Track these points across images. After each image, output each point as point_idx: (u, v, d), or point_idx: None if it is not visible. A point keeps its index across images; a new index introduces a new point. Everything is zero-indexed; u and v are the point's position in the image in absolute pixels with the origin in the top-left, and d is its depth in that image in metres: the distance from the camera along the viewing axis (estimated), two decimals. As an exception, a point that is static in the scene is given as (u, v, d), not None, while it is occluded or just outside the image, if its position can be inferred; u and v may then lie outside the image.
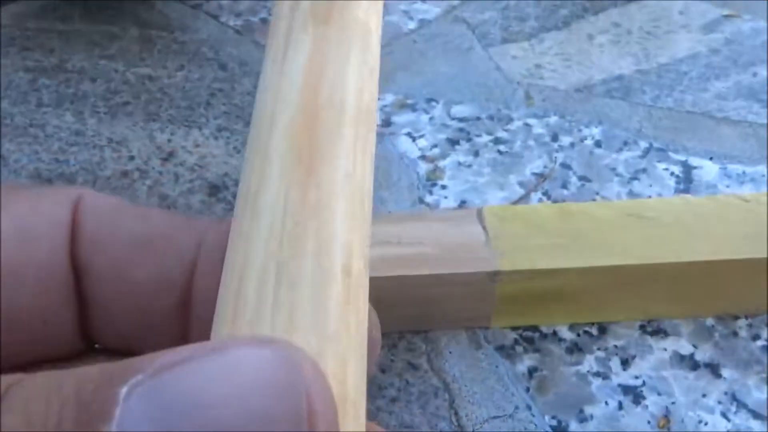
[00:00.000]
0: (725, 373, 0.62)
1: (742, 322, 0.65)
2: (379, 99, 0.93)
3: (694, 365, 0.62)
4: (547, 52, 0.96)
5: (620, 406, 0.60)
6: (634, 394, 0.61)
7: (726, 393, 0.61)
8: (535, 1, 1.05)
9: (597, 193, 0.77)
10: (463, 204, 0.76)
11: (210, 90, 0.90)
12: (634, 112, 0.87)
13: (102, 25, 1.01)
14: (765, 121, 0.86)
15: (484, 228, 0.63)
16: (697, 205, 0.65)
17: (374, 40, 0.41)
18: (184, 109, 0.88)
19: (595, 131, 0.84)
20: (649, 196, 0.77)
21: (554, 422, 0.59)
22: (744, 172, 0.79)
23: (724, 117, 0.86)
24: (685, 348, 0.64)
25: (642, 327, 0.65)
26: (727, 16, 1.02)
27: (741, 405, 0.60)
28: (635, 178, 0.79)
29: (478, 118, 0.86)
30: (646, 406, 0.60)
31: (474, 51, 0.97)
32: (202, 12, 1.04)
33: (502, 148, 0.83)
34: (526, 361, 0.63)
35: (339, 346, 0.19)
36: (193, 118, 0.86)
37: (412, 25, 1.01)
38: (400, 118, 0.86)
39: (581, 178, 0.79)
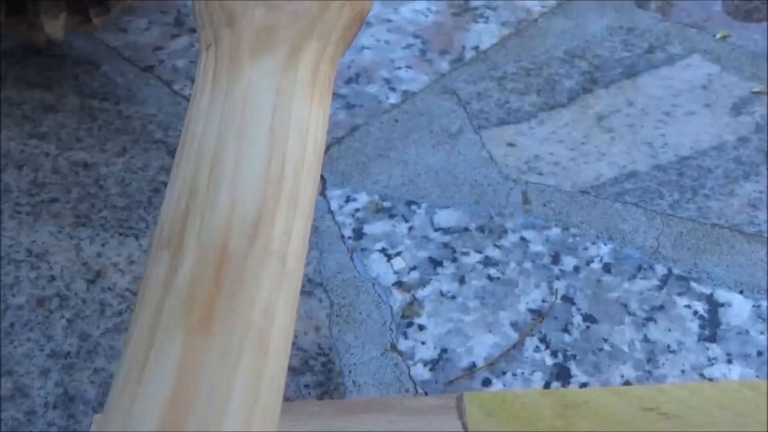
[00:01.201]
0: None
1: None
2: (351, 200, 0.80)
3: None
4: (548, 138, 0.83)
5: None
6: None
7: None
8: (537, 69, 0.92)
9: (605, 340, 0.64)
10: (443, 353, 0.63)
11: (153, 184, 0.77)
12: (650, 223, 0.74)
13: (37, 91, 0.88)
14: (804, 238, 0.73)
15: (464, 425, 0.50)
16: (727, 394, 0.53)
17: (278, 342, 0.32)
18: (120, 210, 0.74)
19: (604, 250, 0.71)
20: (668, 346, 0.64)
21: None
22: (781, 311, 0.66)
23: (757, 232, 0.73)
24: None
25: None
26: (756, 93, 0.89)
27: None
28: (651, 319, 0.66)
29: (466, 229, 0.73)
30: None
31: (464, 135, 0.83)
32: (153, 76, 0.90)
33: (492, 272, 0.70)
34: None
35: None
36: (129, 222, 0.73)
37: (393, 98, 0.88)
38: (374, 228, 0.73)
39: (586, 317, 0.66)
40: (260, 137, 0.36)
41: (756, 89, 0.89)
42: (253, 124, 0.36)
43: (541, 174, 0.79)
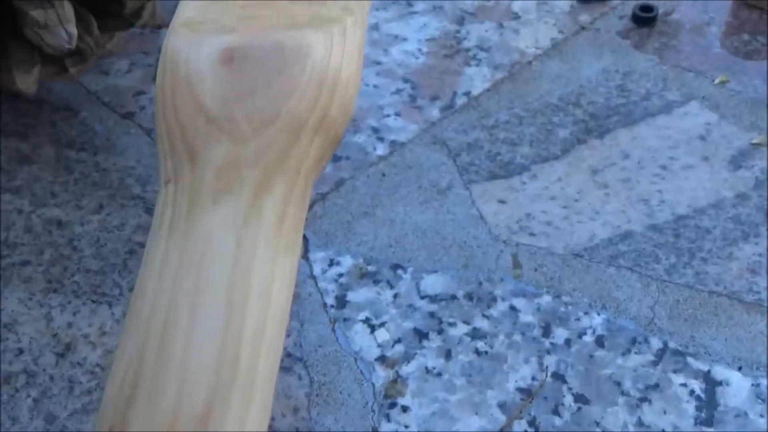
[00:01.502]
0: None
1: None
2: (335, 263, 0.77)
3: None
4: (541, 195, 0.80)
5: None
6: None
7: None
8: (531, 117, 0.89)
9: (597, 424, 0.61)
10: (427, 438, 0.61)
11: (129, 245, 0.74)
12: (645, 290, 0.71)
13: (13, 140, 0.85)
14: (805, 307, 0.70)
15: None
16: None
17: None
18: (94, 274, 0.71)
19: (597, 321, 0.68)
20: (663, 431, 0.61)
21: None
22: (781, 390, 0.64)
23: (757, 300, 0.70)
24: None
25: None
26: (756, 145, 0.86)
27: None
28: (645, 399, 0.63)
29: (454, 297, 0.70)
30: None
31: (454, 190, 0.80)
32: (133, 124, 0.87)
33: (480, 345, 0.67)
34: None
35: None
36: (103, 288, 0.70)
37: (381, 149, 0.85)
38: (358, 295, 0.70)
39: (578, 397, 0.63)
40: (216, 307, 0.33)
41: (755, 141, 0.86)
42: (209, 288, 0.33)
43: (532, 234, 0.76)
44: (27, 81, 0.73)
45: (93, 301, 0.69)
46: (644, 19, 1.03)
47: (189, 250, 0.35)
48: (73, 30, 0.69)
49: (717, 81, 0.94)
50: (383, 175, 0.82)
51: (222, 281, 0.35)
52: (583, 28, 1.02)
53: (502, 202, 0.79)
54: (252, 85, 0.39)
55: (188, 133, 0.39)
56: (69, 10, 0.70)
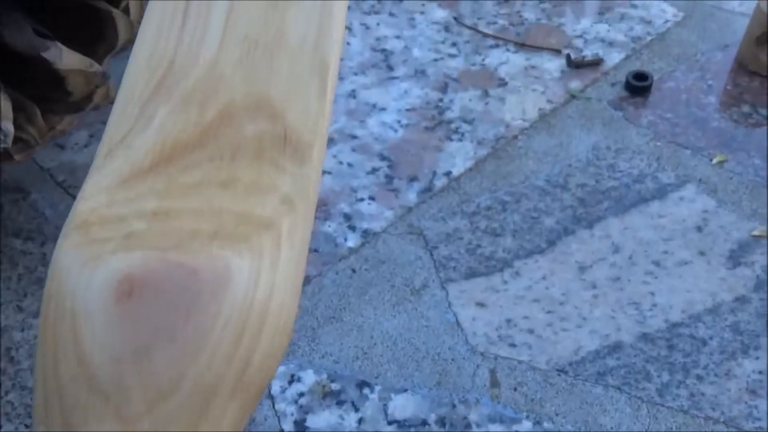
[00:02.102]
0: None
1: None
2: (296, 380, 0.71)
3: None
4: (524, 296, 0.74)
5: None
6: None
7: None
8: (515, 202, 0.83)
9: None
10: None
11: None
12: (635, 414, 0.65)
13: (-44, 226, 0.79)
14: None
15: None
16: None
17: None
18: (29, 392, 0.65)
19: (581, 453, 0.62)
20: None
21: None
22: None
23: (757, 429, 0.64)
24: None
25: None
26: (756, 237, 0.80)
27: None
28: None
29: (425, 423, 0.64)
30: None
31: (429, 290, 0.74)
32: (87, 208, 0.81)
33: (452, 483, 0.60)
34: None
35: None
36: (40, 410, 0.64)
37: (352, 241, 0.79)
38: (319, 420, 0.64)
39: None
40: None
41: (756, 232, 0.80)
42: None
43: (513, 345, 0.70)
44: (-38, 176, 0.67)
45: (27, 425, 0.63)
46: (638, 88, 0.97)
47: None
48: (9, 128, 0.63)
49: (715, 161, 0.88)
50: (353, 271, 0.76)
51: None
52: (573, 96, 0.96)
53: (481, 305, 0.73)
54: (152, 337, 0.31)
55: (67, 401, 0.31)
56: (6, 105, 0.64)
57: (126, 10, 0.73)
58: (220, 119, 0.37)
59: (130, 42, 0.74)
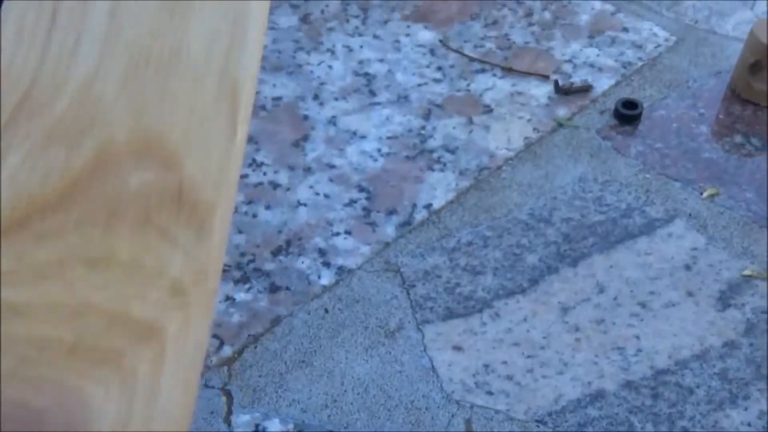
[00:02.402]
0: None
1: None
2: (261, 431, 0.68)
3: None
4: (503, 341, 0.71)
5: None
6: None
7: None
8: (497, 237, 0.80)
9: None
10: None
11: None
12: (615, 470, 0.62)
13: None
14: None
15: None
16: None
17: None
18: None
19: None
20: None
21: None
22: None
23: (743, 487, 0.61)
24: None
25: None
26: (747, 277, 0.77)
27: None
28: None
29: (395, 478, 0.61)
30: None
31: (404, 332, 0.71)
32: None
33: None
34: None
35: None
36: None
37: (326, 278, 0.75)
38: (284, 475, 0.61)
39: None
40: None
41: (747, 272, 0.77)
42: None
43: (490, 393, 0.67)
44: None
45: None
46: (627, 116, 0.94)
47: None
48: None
49: (705, 195, 0.85)
50: (326, 311, 0.73)
51: None
52: (560, 125, 0.93)
53: (458, 348, 0.70)
54: None
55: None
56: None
57: None
58: (95, 165, 0.28)
59: None
